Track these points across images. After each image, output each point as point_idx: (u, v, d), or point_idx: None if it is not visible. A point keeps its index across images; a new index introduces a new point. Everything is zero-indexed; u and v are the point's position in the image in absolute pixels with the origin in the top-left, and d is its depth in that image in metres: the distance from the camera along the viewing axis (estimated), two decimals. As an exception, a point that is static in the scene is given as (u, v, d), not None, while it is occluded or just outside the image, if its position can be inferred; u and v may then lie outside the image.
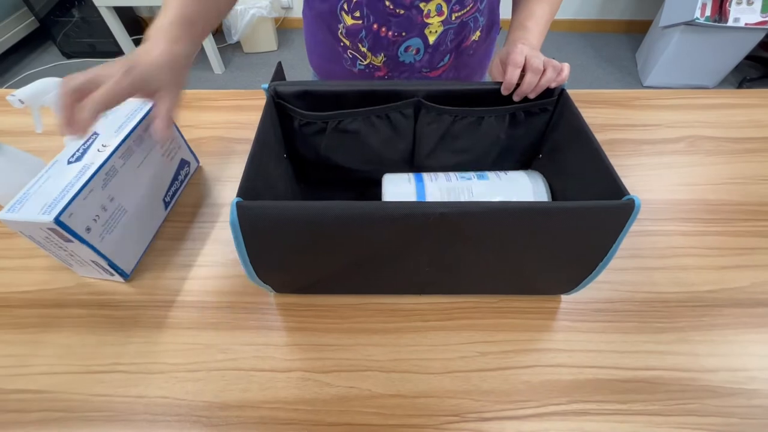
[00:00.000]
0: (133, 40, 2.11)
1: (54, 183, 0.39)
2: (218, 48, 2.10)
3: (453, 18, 0.52)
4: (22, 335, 0.42)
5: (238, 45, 2.27)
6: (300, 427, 0.36)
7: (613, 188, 0.33)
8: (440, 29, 0.53)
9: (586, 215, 0.31)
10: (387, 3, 0.50)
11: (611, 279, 0.46)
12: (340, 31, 0.55)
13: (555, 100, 0.44)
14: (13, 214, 0.37)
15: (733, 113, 0.68)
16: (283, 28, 2.43)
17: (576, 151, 0.40)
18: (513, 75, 0.42)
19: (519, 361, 0.40)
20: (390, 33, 0.53)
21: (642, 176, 0.58)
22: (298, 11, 2.41)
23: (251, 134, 0.39)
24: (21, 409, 0.37)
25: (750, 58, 1.95)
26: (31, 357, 0.40)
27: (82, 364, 0.40)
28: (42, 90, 0.44)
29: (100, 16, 1.92)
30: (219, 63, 2.11)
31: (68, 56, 2.23)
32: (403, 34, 0.53)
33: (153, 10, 2.32)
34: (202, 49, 2.12)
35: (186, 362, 0.40)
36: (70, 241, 0.39)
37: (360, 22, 0.53)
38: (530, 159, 0.50)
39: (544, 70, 0.42)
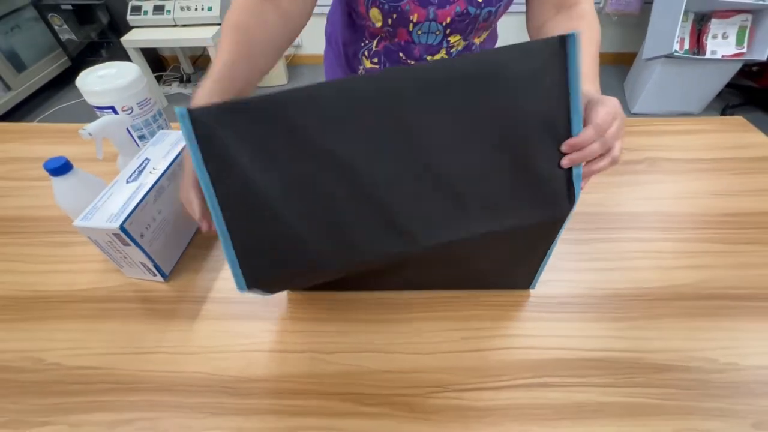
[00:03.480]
0: (156, 77, 2.30)
1: (116, 198, 0.49)
2: (233, 83, 2.27)
3: None
4: (80, 324, 0.50)
5: (251, 80, 2.45)
6: (309, 396, 0.43)
7: None
8: None
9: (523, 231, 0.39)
10: (401, 55, 0.61)
11: (574, 278, 0.54)
12: (360, 71, 0.66)
13: None
14: (86, 222, 0.46)
15: (689, 138, 0.77)
16: (293, 64, 2.62)
17: None
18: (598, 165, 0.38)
19: (494, 344, 0.47)
20: None
21: (608, 192, 0.67)
22: (307, 48, 2.60)
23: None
24: (84, 381, 0.45)
25: (731, 86, 2.07)
26: (89, 341, 0.49)
27: (131, 346, 0.48)
28: (105, 125, 0.55)
29: (126, 56, 2.11)
30: (234, 96, 2.27)
31: (95, 92, 2.42)
32: None
33: (174, 50, 2.52)
34: (219, 84, 2.30)
35: (216, 345, 0.48)
36: (127, 244, 0.48)
37: (377, 66, 0.64)
38: None
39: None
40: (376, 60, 0.63)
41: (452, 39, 0.59)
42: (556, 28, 0.51)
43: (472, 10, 0.55)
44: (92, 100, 0.59)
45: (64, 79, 2.44)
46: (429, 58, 0.60)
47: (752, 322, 0.48)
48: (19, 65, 2.16)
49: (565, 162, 0.36)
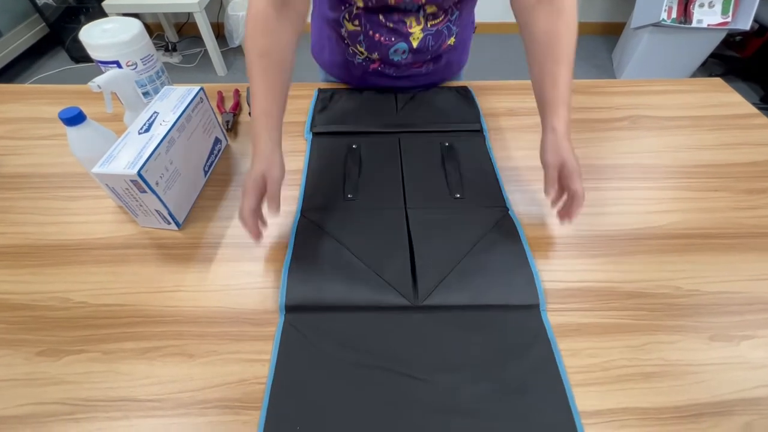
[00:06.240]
0: (140, 45, 2.22)
1: (131, 147, 0.51)
2: (221, 51, 2.22)
3: (429, 26, 0.65)
4: (101, 268, 0.54)
5: (239, 49, 2.40)
6: (323, 324, 0.48)
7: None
8: (421, 36, 0.66)
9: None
10: (380, 17, 0.63)
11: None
12: (343, 33, 0.68)
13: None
14: (104, 168, 0.49)
15: (669, 98, 0.81)
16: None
17: None
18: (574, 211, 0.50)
19: (487, 278, 0.52)
20: (382, 38, 0.66)
21: (593, 147, 0.71)
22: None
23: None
24: (112, 317, 0.49)
25: (715, 56, 2.12)
26: (111, 283, 0.52)
27: (152, 286, 0.52)
28: (113, 78, 0.56)
29: (109, 22, 2.03)
30: (222, 65, 2.23)
31: (76, 61, 2.34)
32: (392, 39, 0.66)
33: (157, 17, 2.44)
34: (206, 53, 2.25)
35: (233, 283, 0.52)
36: (144, 191, 0.51)
37: (359, 28, 0.66)
38: None
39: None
40: (357, 22, 0.65)
41: (428, 9, 0.63)
42: (537, 23, 0.54)
43: None
44: (97, 55, 0.60)
45: (44, 47, 2.35)
46: (405, 19, 0.63)
47: (713, 256, 0.54)
48: (-7, 32, 2.07)
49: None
